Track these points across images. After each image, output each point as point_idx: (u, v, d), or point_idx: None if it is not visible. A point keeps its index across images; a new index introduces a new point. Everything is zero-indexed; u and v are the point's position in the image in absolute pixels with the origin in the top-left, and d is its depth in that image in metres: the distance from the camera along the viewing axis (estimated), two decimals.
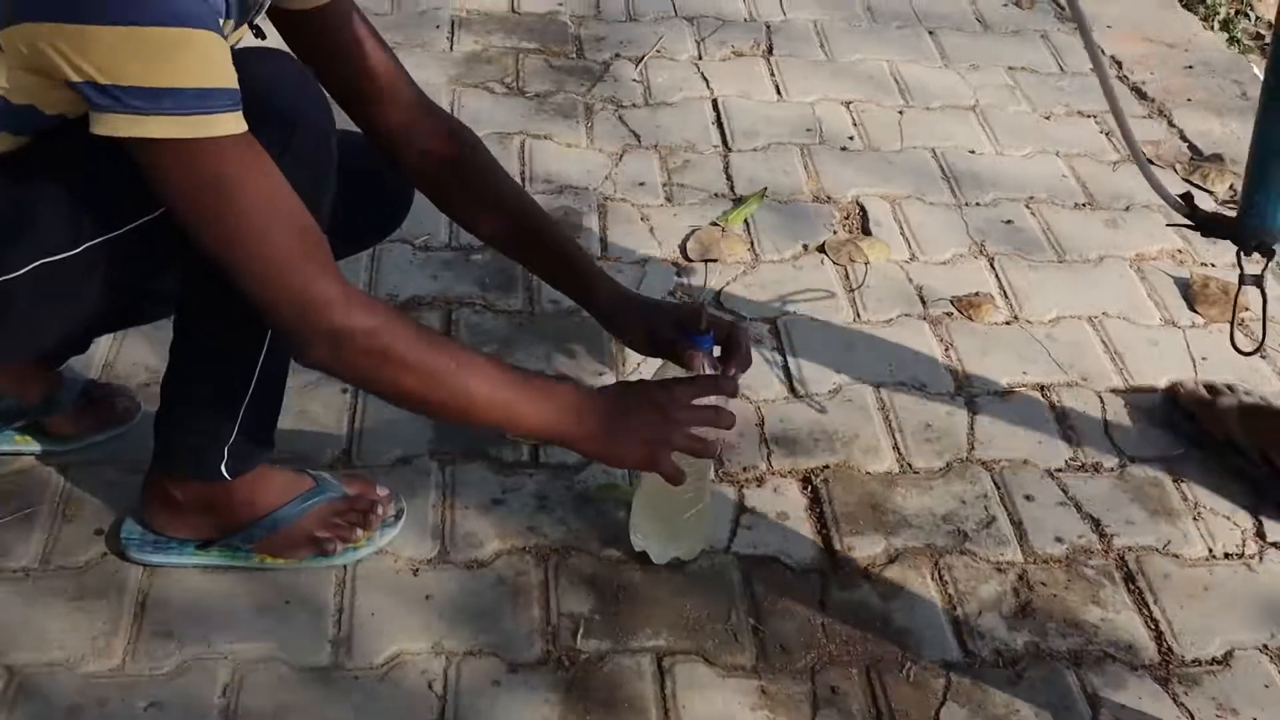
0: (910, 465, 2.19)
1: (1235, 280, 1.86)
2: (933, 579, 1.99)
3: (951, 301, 2.54)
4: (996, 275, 2.61)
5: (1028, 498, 2.14)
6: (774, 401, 2.29)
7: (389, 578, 1.91)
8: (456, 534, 2.00)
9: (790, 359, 2.38)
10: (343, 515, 1.91)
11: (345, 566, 1.90)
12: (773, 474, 2.15)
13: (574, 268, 1.85)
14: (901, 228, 2.73)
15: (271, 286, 1.41)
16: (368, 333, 1.43)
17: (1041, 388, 2.36)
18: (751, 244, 2.65)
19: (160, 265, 1.62)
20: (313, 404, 2.19)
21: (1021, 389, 2.35)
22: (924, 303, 2.54)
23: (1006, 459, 2.21)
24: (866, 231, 2.70)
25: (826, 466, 2.18)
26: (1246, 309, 2.30)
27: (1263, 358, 2.07)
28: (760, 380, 2.33)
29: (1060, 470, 2.19)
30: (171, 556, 1.86)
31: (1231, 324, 1.86)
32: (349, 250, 1.92)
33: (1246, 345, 1.85)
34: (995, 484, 2.16)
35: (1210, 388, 2.22)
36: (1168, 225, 2.22)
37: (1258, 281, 1.78)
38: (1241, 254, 1.78)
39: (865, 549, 2.03)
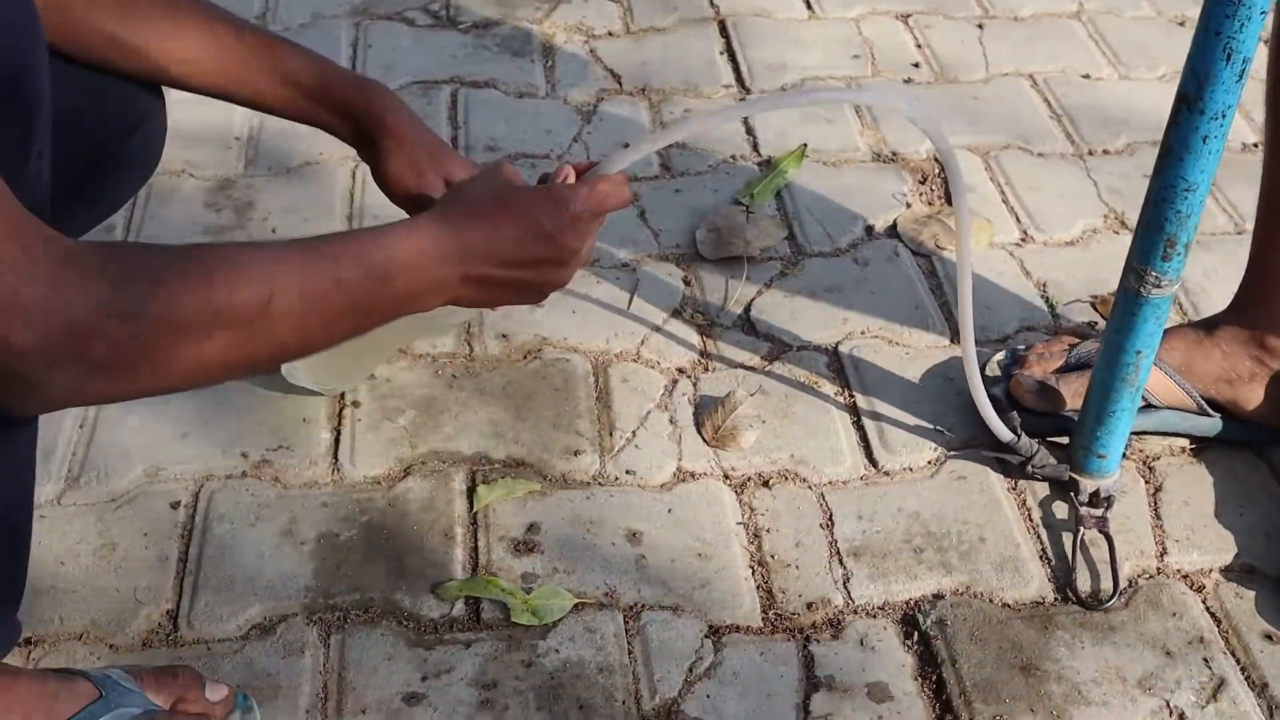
0: (1071, 589, 1.37)
1: None
2: None
3: (1093, 304, 1.71)
4: None
5: (1269, 637, 1.33)
6: (846, 484, 1.48)
7: None
8: None
9: (860, 399, 1.57)
10: None
11: None
12: (854, 611, 1.35)
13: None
14: (1003, 193, 1.91)
15: None
16: (126, 299, 0.84)
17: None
18: (790, 230, 1.83)
19: None
20: (92, 524, 1.37)
21: (1220, 440, 1.54)
22: (1051, 307, 1.71)
23: (1220, 566, 1.40)
24: (952, 202, 1.87)
25: (940, 595, 1.36)
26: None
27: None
28: (818, 448, 1.51)
29: None
30: None
31: (1073, 570, 1.39)
32: (92, 216, 1.30)
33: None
34: (1212, 615, 1.35)
35: None
36: (984, 452, 1.51)
37: (1101, 525, 1.43)
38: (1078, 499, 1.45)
39: None
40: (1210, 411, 1.50)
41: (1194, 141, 1.19)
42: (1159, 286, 1.28)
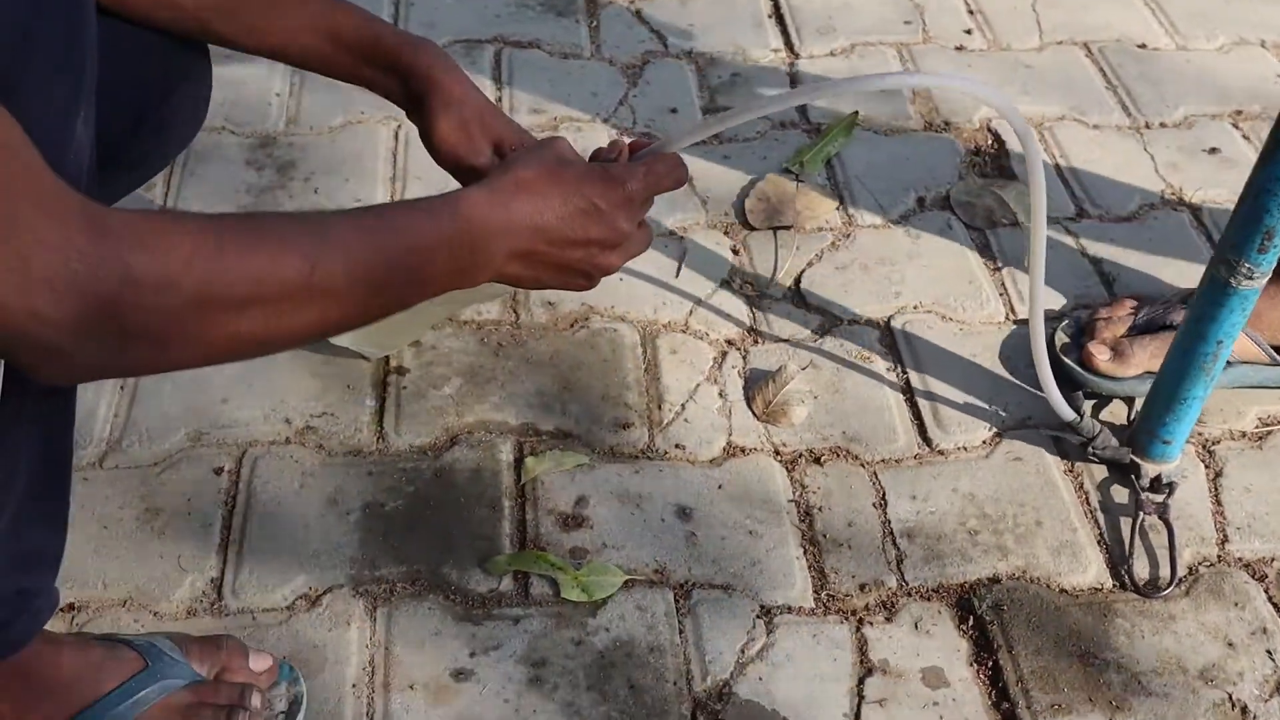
0: (1129, 576, 1.34)
1: None
2: None
3: None
4: (1209, 236, 1.74)
5: None
6: (899, 463, 1.45)
7: None
8: None
9: (913, 375, 1.54)
10: (191, 717, 1.15)
11: None
12: (909, 594, 1.32)
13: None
14: (1058, 166, 1.86)
15: None
16: (161, 269, 0.80)
17: None
18: (841, 199, 1.79)
19: None
20: (135, 488, 1.35)
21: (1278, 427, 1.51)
22: (1108, 283, 1.68)
23: None
24: (1007, 173, 1.83)
25: (996, 579, 1.34)
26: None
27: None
28: (870, 425, 1.48)
29: None
30: None
31: (1130, 556, 1.37)
32: (135, 177, 1.29)
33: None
34: (1275, 605, 1.33)
35: None
36: (1043, 431, 1.48)
37: (1162, 512, 1.40)
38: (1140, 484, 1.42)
39: None
40: None
41: None
42: (1250, 278, 1.25)
